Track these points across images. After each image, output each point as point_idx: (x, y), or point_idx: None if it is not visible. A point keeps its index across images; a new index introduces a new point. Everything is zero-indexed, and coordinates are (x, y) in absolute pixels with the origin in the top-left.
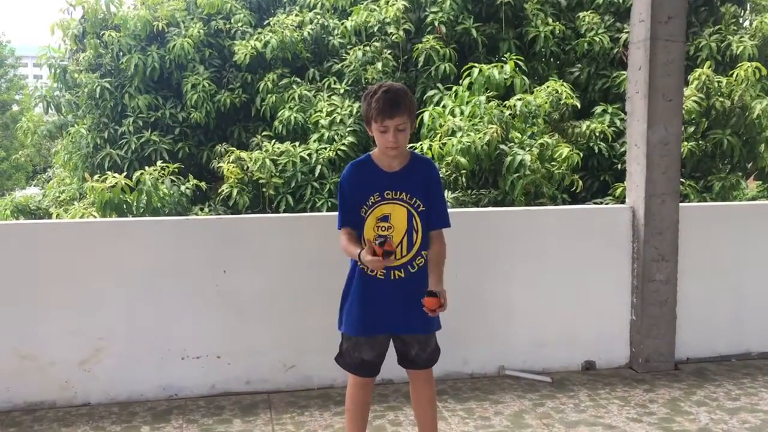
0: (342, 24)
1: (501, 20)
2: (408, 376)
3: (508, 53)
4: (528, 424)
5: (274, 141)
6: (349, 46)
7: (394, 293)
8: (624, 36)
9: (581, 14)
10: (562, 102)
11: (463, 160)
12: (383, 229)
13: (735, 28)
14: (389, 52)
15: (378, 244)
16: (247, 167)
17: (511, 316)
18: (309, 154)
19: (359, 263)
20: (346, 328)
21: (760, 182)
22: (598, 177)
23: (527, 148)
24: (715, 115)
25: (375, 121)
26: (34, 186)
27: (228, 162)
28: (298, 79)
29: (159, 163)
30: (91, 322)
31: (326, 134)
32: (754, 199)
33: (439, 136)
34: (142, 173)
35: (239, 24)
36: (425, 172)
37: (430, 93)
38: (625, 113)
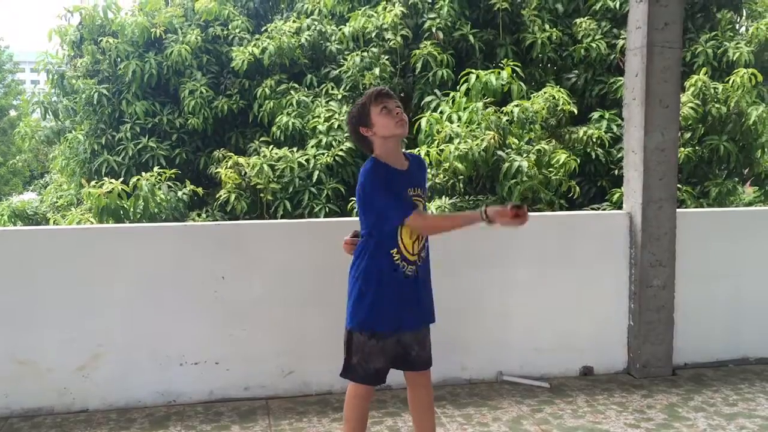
0: (340, 30)
1: (498, 26)
2: (406, 380)
3: (506, 59)
4: (526, 430)
5: (271, 146)
6: (346, 52)
7: (415, 288)
8: (621, 42)
9: (578, 20)
10: (559, 108)
11: (460, 166)
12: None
13: (731, 34)
14: (387, 57)
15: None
16: (245, 173)
17: (509, 322)
18: (307, 160)
19: (484, 220)
20: (375, 325)
21: (757, 188)
22: (595, 183)
23: (524, 154)
24: (712, 122)
25: (374, 104)
26: (32, 191)
27: (226, 167)
28: (296, 85)
29: (156, 168)
30: (89, 328)
31: (324, 140)
32: (750, 204)
33: (436, 142)
34: (138, 179)
35: (237, 30)
36: (424, 167)
37: (428, 99)
38: (622, 119)
